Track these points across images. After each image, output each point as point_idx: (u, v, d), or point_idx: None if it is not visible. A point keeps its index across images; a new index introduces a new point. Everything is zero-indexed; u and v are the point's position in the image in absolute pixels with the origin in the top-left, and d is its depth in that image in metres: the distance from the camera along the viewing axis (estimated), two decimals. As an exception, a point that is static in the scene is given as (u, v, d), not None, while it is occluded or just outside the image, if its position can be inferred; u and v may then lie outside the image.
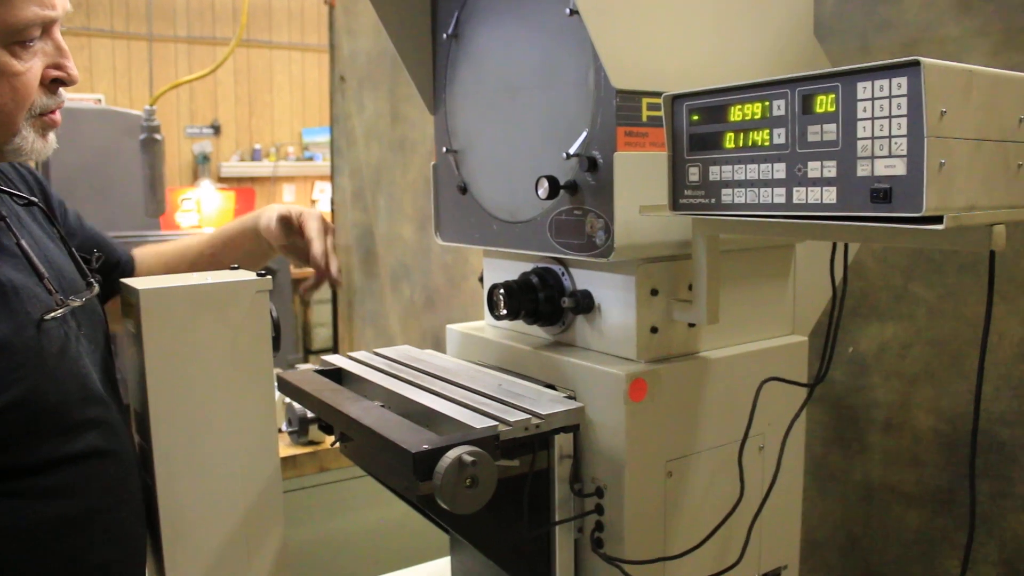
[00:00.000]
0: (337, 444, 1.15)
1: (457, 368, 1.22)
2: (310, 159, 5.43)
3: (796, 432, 1.16)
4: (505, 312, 1.17)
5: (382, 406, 1.09)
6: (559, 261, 1.18)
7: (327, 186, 5.09)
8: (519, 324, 1.24)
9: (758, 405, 1.04)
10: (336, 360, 1.28)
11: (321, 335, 4.82)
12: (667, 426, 1.07)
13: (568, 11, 1.03)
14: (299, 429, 1.28)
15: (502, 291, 1.17)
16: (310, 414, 1.20)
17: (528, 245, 1.15)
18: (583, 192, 1.04)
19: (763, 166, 0.85)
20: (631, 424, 1.03)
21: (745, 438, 1.04)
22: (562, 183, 1.05)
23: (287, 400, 1.27)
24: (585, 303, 1.12)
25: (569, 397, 1.08)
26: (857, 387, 1.38)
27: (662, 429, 1.06)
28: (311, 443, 1.94)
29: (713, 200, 0.91)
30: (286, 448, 1.88)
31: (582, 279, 1.15)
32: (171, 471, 0.97)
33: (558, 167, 1.07)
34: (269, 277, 1.02)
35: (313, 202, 5.30)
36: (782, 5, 1.11)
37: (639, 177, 1.00)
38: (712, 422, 1.11)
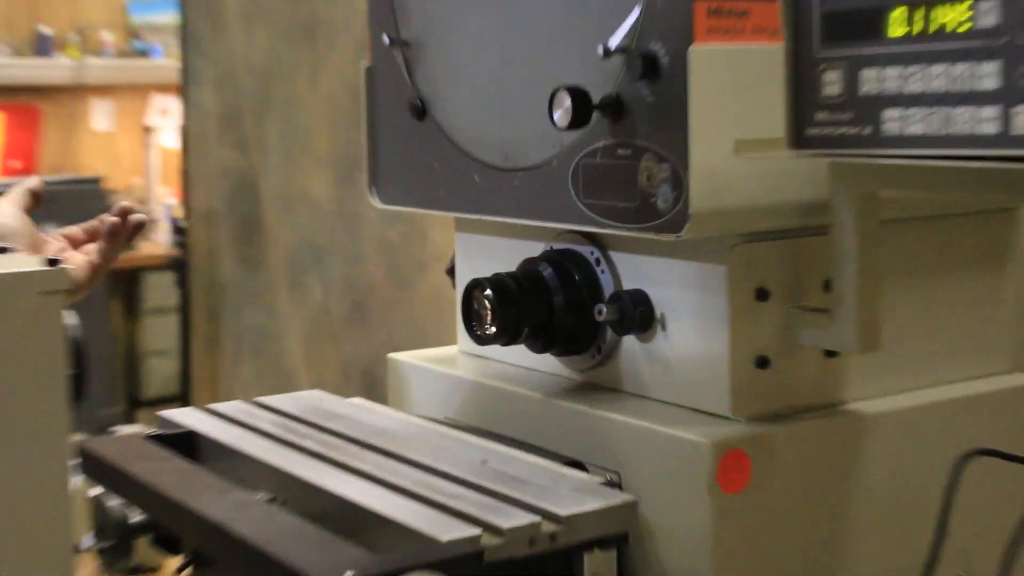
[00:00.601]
0: (186, 573, 1.15)
1: (408, 431, 1.23)
2: (143, 54, 5.42)
3: None
4: (494, 331, 1.18)
5: (270, 501, 1.10)
6: (590, 239, 1.19)
7: (173, 104, 5.06)
8: (520, 352, 1.25)
9: (958, 500, 1.03)
10: (187, 418, 1.30)
11: (161, 372, 4.83)
12: (787, 538, 1.07)
13: None
14: (116, 545, 1.24)
15: (488, 293, 1.17)
16: (136, 516, 1.19)
17: (535, 209, 1.17)
18: (633, 116, 1.05)
19: (959, 68, 0.85)
20: (722, 533, 1.03)
21: (933, 563, 1.04)
22: (596, 100, 1.06)
23: (94, 491, 1.25)
24: (637, 314, 1.13)
25: (609, 483, 1.09)
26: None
27: (778, 543, 1.07)
28: (137, 571, 1.92)
29: (867, 130, 0.90)
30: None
31: (632, 271, 1.16)
32: None
33: (588, 72, 1.08)
34: (65, 267, 1.00)
35: (147, 131, 5.29)
36: None
37: (732, 90, 1.01)
38: (869, 530, 1.11)
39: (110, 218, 1.31)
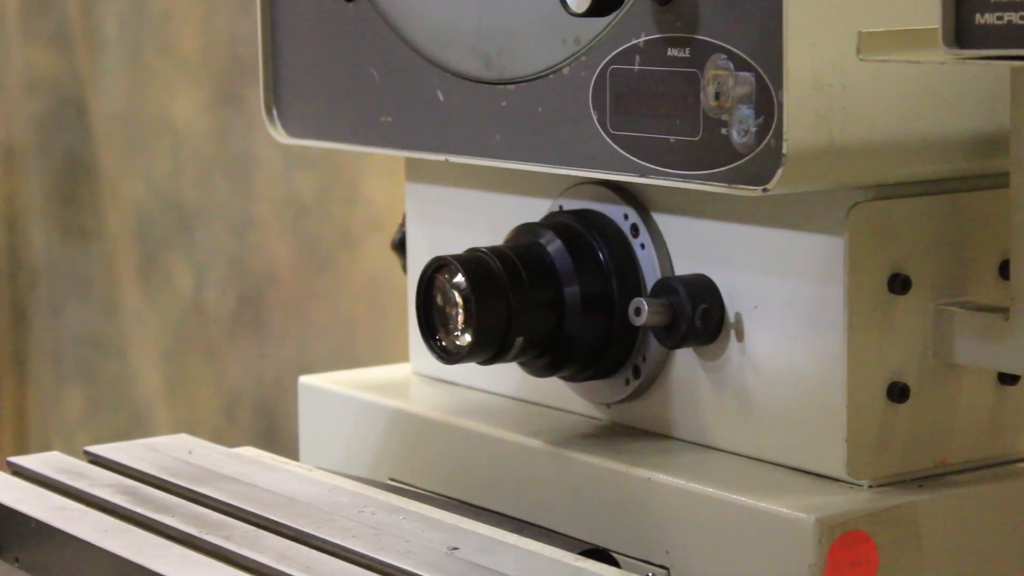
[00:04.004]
0: None
1: (329, 500, 1.24)
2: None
3: None
4: (469, 340, 1.19)
5: None
6: (622, 194, 1.21)
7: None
8: (510, 375, 1.25)
9: None
10: None
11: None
12: None
13: None
14: None
15: (460, 281, 1.18)
16: None
17: (535, 145, 1.18)
18: None
19: None
20: None
21: None
22: None
23: None
24: (698, 315, 1.14)
25: None
26: None
27: None
28: None
29: (1075, 17, 0.90)
30: None
31: (689, 247, 1.18)
32: None
33: None
34: None
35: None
36: None
37: None
38: None
39: None
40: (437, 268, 1.20)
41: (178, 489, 1.26)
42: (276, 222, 2.62)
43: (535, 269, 1.19)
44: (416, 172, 1.38)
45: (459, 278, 1.18)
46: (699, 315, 1.13)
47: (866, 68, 0.99)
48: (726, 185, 1.04)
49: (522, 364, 1.22)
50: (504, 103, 1.18)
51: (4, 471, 1.31)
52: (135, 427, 2.82)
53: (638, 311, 1.14)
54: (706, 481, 1.11)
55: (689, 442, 1.18)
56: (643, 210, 1.19)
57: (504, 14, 1.18)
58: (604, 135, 1.11)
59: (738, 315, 1.14)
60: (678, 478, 1.12)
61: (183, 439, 1.39)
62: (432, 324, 1.21)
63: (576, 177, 1.21)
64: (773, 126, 1.01)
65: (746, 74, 1.02)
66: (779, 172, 1.01)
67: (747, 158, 1.03)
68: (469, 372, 1.31)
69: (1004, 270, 1.05)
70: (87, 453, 1.34)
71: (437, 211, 1.36)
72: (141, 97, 2.84)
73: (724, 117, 1.04)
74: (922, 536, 1.06)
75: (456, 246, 1.23)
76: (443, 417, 1.29)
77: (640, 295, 1.16)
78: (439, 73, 1.23)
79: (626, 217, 1.20)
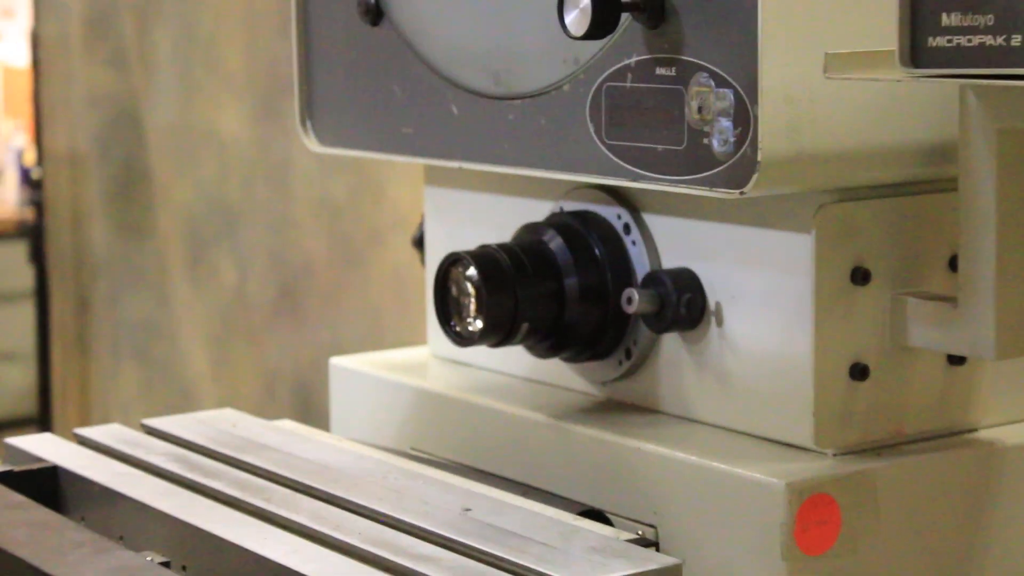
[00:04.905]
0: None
1: (357, 467, 1.24)
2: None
3: None
4: (480, 326, 1.19)
5: (164, 565, 1.10)
6: (616, 196, 1.20)
7: (21, 1, 5.05)
8: (517, 357, 1.25)
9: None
10: (47, 448, 1.31)
11: (9, 384, 4.83)
12: None
13: None
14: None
15: (472, 273, 1.18)
16: None
17: (539, 154, 1.17)
18: (679, 20, 1.05)
19: None
20: None
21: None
22: None
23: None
24: (683, 304, 1.14)
25: (642, 541, 1.10)
26: None
27: None
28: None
29: (1017, 39, 0.89)
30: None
31: (675, 243, 1.17)
32: None
33: None
34: None
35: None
36: None
37: None
38: None
39: None
40: (452, 262, 1.20)
41: (223, 457, 1.26)
42: (311, 221, 2.62)
43: (538, 263, 1.19)
44: (433, 177, 1.37)
45: (471, 271, 1.18)
46: (683, 304, 1.13)
47: (832, 85, 0.99)
48: (707, 189, 1.04)
49: (527, 347, 1.22)
50: (511, 116, 1.18)
51: (71, 441, 1.32)
52: (185, 402, 2.82)
53: (630, 300, 1.14)
54: (689, 450, 1.11)
55: (674, 416, 1.18)
56: (634, 211, 1.19)
57: (511, 37, 1.18)
58: (600, 144, 1.11)
59: (718, 303, 1.14)
60: (664, 447, 1.12)
61: (228, 413, 1.39)
62: (448, 312, 1.21)
63: (575, 182, 1.21)
64: (749, 137, 1.01)
65: (725, 91, 1.02)
66: (754, 177, 1.01)
67: (726, 165, 1.03)
68: (480, 354, 1.30)
69: (953, 264, 1.05)
70: (144, 425, 1.35)
71: (452, 212, 1.36)
72: (190, 111, 2.84)
73: (706, 128, 1.04)
74: (880, 498, 1.06)
75: (469, 243, 1.23)
76: (458, 394, 1.29)
77: (631, 286, 1.16)
78: (453, 90, 1.23)
79: (619, 217, 1.19)
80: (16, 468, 1.26)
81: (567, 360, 1.23)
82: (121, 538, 1.16)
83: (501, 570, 1.02)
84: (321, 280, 2.61)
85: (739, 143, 1.02)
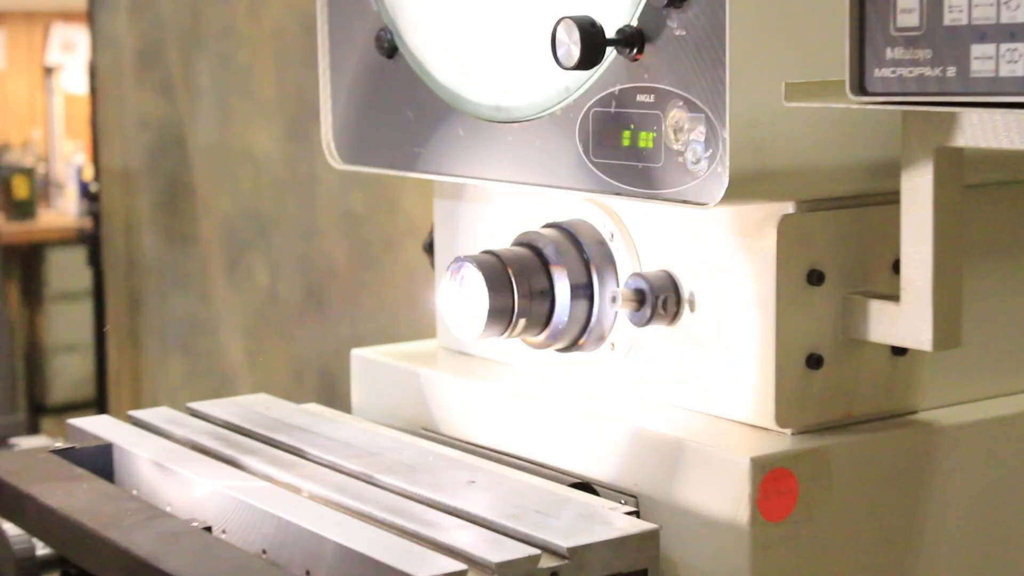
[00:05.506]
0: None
1: (375, 445, 1.24)
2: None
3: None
4: (483, 322, 1.18)
5: (206, 530, 1.10)
6: (601, 207, 1.20)
7: (81, 37, 5.04)
8: (515, 348, 1.25)
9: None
10: (104, 428, 1.31)
11: (70, 372, 4.84)
12: (842, 575, 1.08)
13: None
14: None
15: (476, 273, 1.18)
16: (42, 549, 1.20)
17: (534, 171, 1.17)
18: (657, 53, 1.05)
19: None
20: (763, 570, 1.04)
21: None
22: (611, 33, 1.06)
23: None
24: (661, 302, 1.14)
25: (624, 509, 1.10)
26: None
27: None
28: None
29: (951, 70, 0.90)
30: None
31: (655, 248, 1.17)
32: None
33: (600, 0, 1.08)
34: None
35: (47, 72, 5.27)
36: None
37: (780, 20, 1.02)
38: (943, 564, 1.12)
39: None
40: (458, 266, 1.20)
41: (258, 436, 1.27)
42: (334, 230, 2.62)
43: (534, 266, 1.19)
44: (442, 191, 1.37)
45: (475, 274, 1.18)
46: (661, 302, 1.13)
47: (791, 111, 0.99)
48: (682, 201, 1.04)
49: (524, 339, 1.22)
50: (510, 138, 1.18)
51: (125, 422, 1.32)
52: (224, 388, 2.82)
53: (614, 298, 1.14)
54: (666, 430, 1.11)
55: (653, 400, 1.18)
56: (618, 220, 1.18)
57: (510, 69, 1.18)
58: (587, 162, 1.11)
59: (692, 302, 1.13)
60: (645, 427, 1.12)
61: (262, 397, 1.39)
62: (454, 309, 1.21)
63: (565, 195, 1.20)
64: (718, 156, 1.01)
65: (698, 116, 1.02)
66: (723, 191, 1.01)
67: (698, 180, 1.03)
68: (482, 346, 1.30)
69: (896, 267, 1.05)
70: (188, 408, 1.35)
71: (458, 221, 1.35)
72: (228, 132, 2.83)
73: (680, 149, 1.04)
74: (832, 471, 1.06)
75: (472, 248, 1.23)
76: (463, 380, 1.29)
77: (616, 286, 1.17)
78: (459, 115, 1.23)
79: (605, 226, 1.19)
80: (78, 445, 1.27)
81: (559, 351, 1.22)
82: (169, 506, 1.16)
83: (502, 534, 1.02)
84: (343, 281, 2.60)
85: (710, 161, 1.02)
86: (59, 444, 1.28)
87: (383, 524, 1.05)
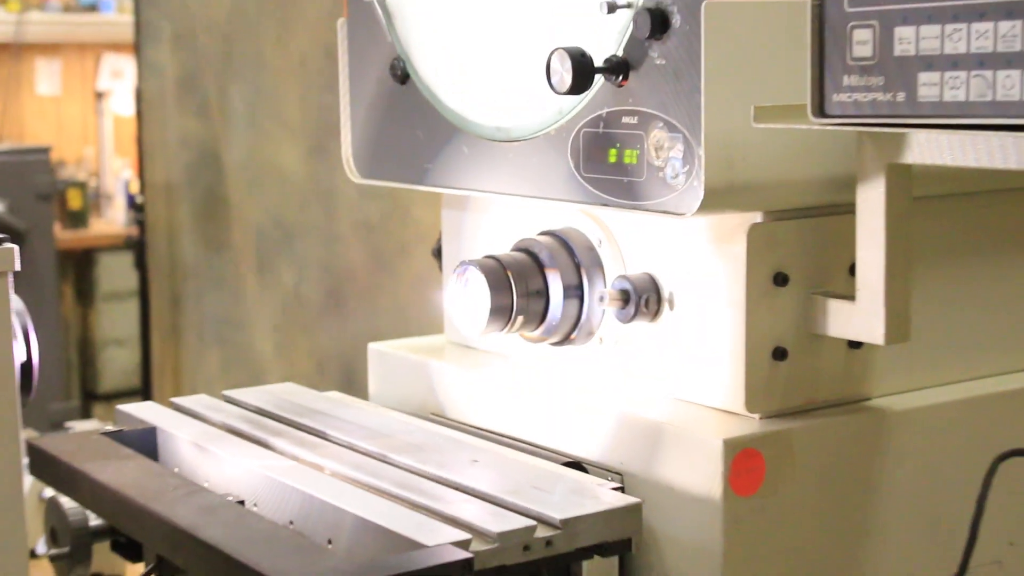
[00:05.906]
0: (150, 580, 1.16)
1: (390, 428, 1.24)
2: (91, 8, 5.39)
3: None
4: (485, 319, 1.19)
5: (240, 504, 1.11)
6: (591, 216, 1.20)
7: (128, 64, 5.03)
8: (514, 342, 1.26)
9: (991, 504, 1.04)
10: (148, 413, 1.30)
11: (118, 363, 4.82)
12: (804, 544, 1.09)
13: None
14: (72, 551, 1.26)
15: (479, 275, 1.18)
16: (94, 520, 1.20)
17: (531, 185, 1.17)
18: (640, 80, 1.05)
19: (1005, 27, 0.84)
20: (734, 538, 1.04)
21: (964, 572, 1.05)
22: (599, 62, 1.07)
23: (46, 492, 1.26)
24: (643, 301, 1.14)
25: (610, 485, 1.10)
26: None
27: (794, 549, 1.08)
28: (97, 578, 1.93)
29: (901, 95, 0.90)
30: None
31: (638, 253, 1.17)
32: None
33: (589, 31, 1.08)
34: (12, 247, 1.00)
35: (98, 96, 5.26)
36: None
37: (750, 51, 1.02)
38: (894, 536, 1.12)
39: None
40: (463, 270, 1.20)
41: (285, 420, 1.27)
42: (353, 236, 2.60)
43: (530, 269, 1.19)
44: (449, 202, 1.37)
45: (478, 276, 1.18)
46: (644, 301, 1.13)
47: (760, 131, 0.99)
48: (663, 212, 1.05)
49: (522, 335, 1.22)
50: (509, 155, 1.18)
51: (167, 408, 1.32)
52: (255, 378, 2.81)
53: (602, 298, 1.15)
54: (649, 414, 1.11)
55: (637, 388, 1.17)
56: (606, 228, 1.19)
57: (509, 93, 1.18)
58: (578, 177, 1.12)
59: (671, 301, 1.14)
60: (630, 412, 1.12)
61: (289, 386, 1.39)
62: (459, 307, 1.21)
63: (559, 206, 1.20)
64: (695, 171, 1.01)
65: (677, 135, 1.03)
66: (699, 203, 1.01)
67: (677, 193, 1.03)
68: (484, 340, 1.30)
69: (852, 270, 1.05)
70: (224, 395, 1.35)
71: (463, 229, 1.36)
72: (258, 149, 2.83)
73: (661, 165, 1.04)
74: (795, 452, 1.07)
75: (476, 253, 1.22)
76: (468, 371, 1.29)
77: (604, 287, 1.17)
78: (465, 135, 1.23)
79: (594, 233, 1.19)
80: (125, 428, 1.27)
81: (553, 345, 1.23)
82: (206, 482, 1.17)
83: (502, 507, 1.03)
84: (360, 283, 2.59)
85: (687, 176, 1.02)
86: (109, 427, 1.28)
87: (396, 498, 1.05)
